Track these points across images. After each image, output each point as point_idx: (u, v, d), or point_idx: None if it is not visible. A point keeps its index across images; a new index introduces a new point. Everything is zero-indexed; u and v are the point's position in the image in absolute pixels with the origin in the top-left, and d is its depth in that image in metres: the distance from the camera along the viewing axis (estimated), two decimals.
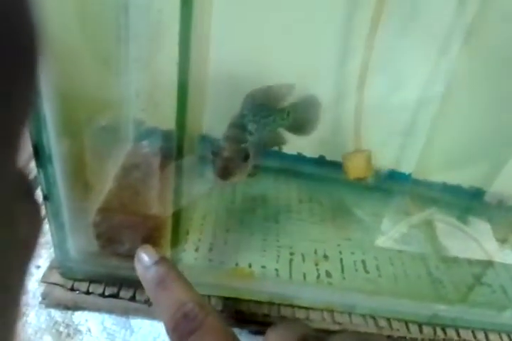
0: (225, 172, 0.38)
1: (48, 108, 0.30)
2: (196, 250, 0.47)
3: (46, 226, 0.48)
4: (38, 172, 0.34)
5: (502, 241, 0.59)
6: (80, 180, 0.39)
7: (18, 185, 0.13)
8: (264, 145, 0.44)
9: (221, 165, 0.38)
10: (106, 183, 0.50)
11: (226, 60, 0.51)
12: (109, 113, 0.51)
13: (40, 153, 0.32)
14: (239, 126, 0.41)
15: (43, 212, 0.50)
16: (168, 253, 0.45)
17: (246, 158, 0.39)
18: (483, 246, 0.57)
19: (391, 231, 0.57)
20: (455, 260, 0.53)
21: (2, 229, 0.12)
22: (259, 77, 0.53)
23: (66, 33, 0.34)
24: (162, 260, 0.36)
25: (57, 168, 0.34)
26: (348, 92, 0.54)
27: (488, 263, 0.54)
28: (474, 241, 0.58)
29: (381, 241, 0.56)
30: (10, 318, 0.14)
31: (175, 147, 0.40)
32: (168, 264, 0.36)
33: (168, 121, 0.43)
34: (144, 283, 0.35)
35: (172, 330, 0.32)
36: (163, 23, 0.46)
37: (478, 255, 0.56)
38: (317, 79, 0.55)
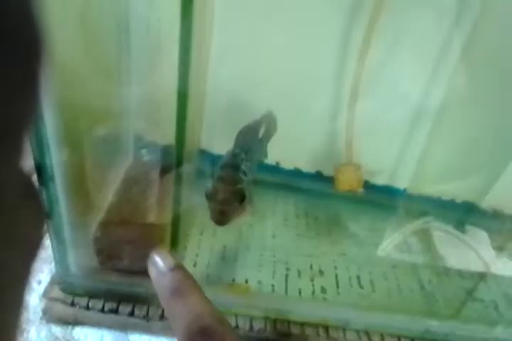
0: (221, 217, 0.35)
1: (51, 131, 0.31)
2: (194, 265, 0.48)
3: (47, 242, 0.49)
4: (41, 190, 0.35)
5: (499, 249, 0.60)
6: (81, 198, 0.40)
7: (21, 185, 0.13)
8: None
9: (217, 208, 0.35)
10: (106, 198, 0.51)
11: (224, 77, 0.52)
12: (110, 129, 0.52)
13: (42, 173, 0.33)
14: (232, 166, 0.39)
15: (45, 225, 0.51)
16: None
17: (242, 199, 0.36)
18: (480, 254, 0.58)
19: (389, 239, 0.58)
20: (447, 274, 0.54)
21: (4, 228, 0.12)
22: (255, 95, 0.54)
23: (70, 53, 0.35)
24: (178, 267, 0.33)
25: (59, 187, 0.35)
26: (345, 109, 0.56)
27: (480, 278, 0.54)
28: (472, 250, 0.59)
29: (380, 250, 0.57)
30: (11, 318, 0.14)
31: (174, 161, 0.40)
32: (185, 272, 0.33)
33: (167, 136, 0.44)
34: (158, 290, 0.33)
35: None
36: (164, 41, 0.47)
37: (475, 263, 0.57)
38: (313, 97, 0.56)
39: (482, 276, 0.55)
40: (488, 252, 0.59)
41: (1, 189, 0.11)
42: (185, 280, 0.33)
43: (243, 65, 0.53)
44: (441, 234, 0.61)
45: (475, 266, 0.57)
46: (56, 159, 0.32)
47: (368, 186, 0.59)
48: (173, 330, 0.31)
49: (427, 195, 0.62)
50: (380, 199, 0.60)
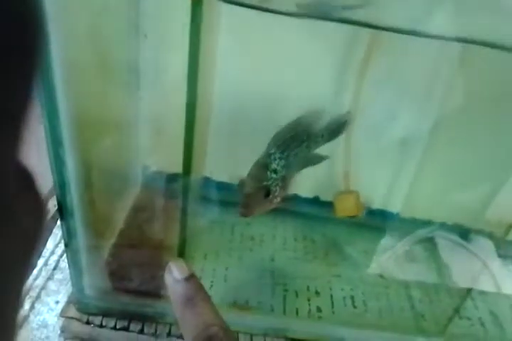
0: (245, 208, 0.40)
1: (72, 174, 0.35)
2: None
3: (64, 265, 0.54)
4: (61, 224, 0.39)
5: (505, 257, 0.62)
6: (96, 227, 0.44)
7: (19, 176, 0.13)
8: (302, 167, 0.47)
9: (242, 201, 0.40)
10: (118, 225, 0.56)
11: (227, 103, 0.55)
12: (120, 160, 0.56)
13: (63, 209, 0.37)
14: (262, 165, 0.42)
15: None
16: None
17: (267, 194, 0.41)
18: (486, 263, 0.61)
19: (394, 248, 0.62)
20: (437, 292, 0.57)
21: (2, 219, 0.12)
22: (255, 123, 0.57)
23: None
24: (192, 277, 0.35)
25: (77, 220, 0.39)
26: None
27: (466, 295, 0.57)
28: (477, 258, 0.62)
29: (384, 259, 0.60)
30: (9, 309, 0.14)
31: (180, 189, 0.44)
32: (198, 283, 0.35)
33: (173, 165, 0.47)
34: (172, 297, 0.34)
35: None
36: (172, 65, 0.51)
37: (480, 272, 0.60)
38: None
39: (468, 293, 0.58)
40: (493, 261, 0.61)
41: None
42: (198, 290, 0.34)
43: (245, 90, 0.56)
44: (447, 242, 0.64)
45: (481, 274, 0.60)
46: (75, 198, 0.37)
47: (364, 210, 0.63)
48: (184, 336, 0.33)
49: (419, 218, 0.66)
50: (374, 222, 0.64)
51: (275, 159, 0.43)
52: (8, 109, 0.10)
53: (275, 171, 0.42)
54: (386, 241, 0.64)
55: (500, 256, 0.63)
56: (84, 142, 0.36)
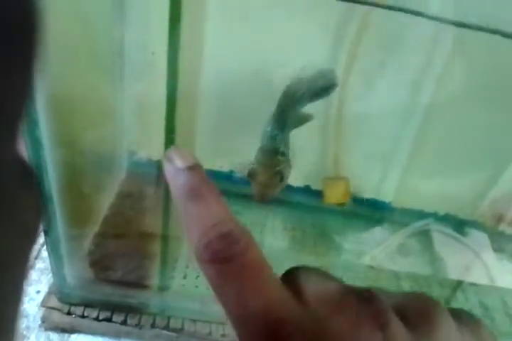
0: (262, 197, 0.41)
1: (49, 156, 0.34)
2: (184, 277, 0.50)
3: (45, 254, 0.52)
4: None
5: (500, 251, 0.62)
6: (77, 214, 0.43)
7: (19, 174, 0.13)
8: (292, 128, 0.45)
9: (258, 190, 0.40)
10: (101, 212, 0.54)
11: (215, 91, 0.54)
12: (104, 145, 0.55)
13: (41, 193, 0.36)
14: (271, 150, 0.41)
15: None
16: (157, 280, 0.48)
17: (281, 179, 0.40)
18: (480, 256, 0.60)
19: (388, 241, 0.61)
20: (428, 283, 0.56)
21: (2, 217, 0.12)
22: (243, 110, 0.56)
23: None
24: (198, 166, 0.27)
25: (57, 206, 0.37)
26: (331, 123, 0.58)
27: (456, 287, 0.57)
28: (472, 252, 0.61)
29: (377, 252, 0.59)
30: (10, 307, 0.13)
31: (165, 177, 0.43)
32: (204, 174, 0.27)
33: (160, 152, 0.46)
34: (172, 188, 0.24)
35: (203, 249, 0.19)
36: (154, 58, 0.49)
37: (475, 266, 0.59)
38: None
39: (459, 284, 0.57)
40: (488, 254, 0.61)
41: None
42: (204, 181, 0.25)
43: (234, 74, 0.54)
44: (442, 236, 0.63)
45: (475, 268, 0.59)
46: (53, 181, 0.35)
47: (354, 199, 0.62)
48: (187, 235, 0.24)
49: (411, 207, 0.65)
50: (366, 212, 0.63)
51: (279, 141, 0.41)
52: (5, 105, 0.10)
53: (283, 154, 0.41)
54: (378, 232, 0.63)
55: (494, 249, 0.62)
56: (62, 123, 0.34)
